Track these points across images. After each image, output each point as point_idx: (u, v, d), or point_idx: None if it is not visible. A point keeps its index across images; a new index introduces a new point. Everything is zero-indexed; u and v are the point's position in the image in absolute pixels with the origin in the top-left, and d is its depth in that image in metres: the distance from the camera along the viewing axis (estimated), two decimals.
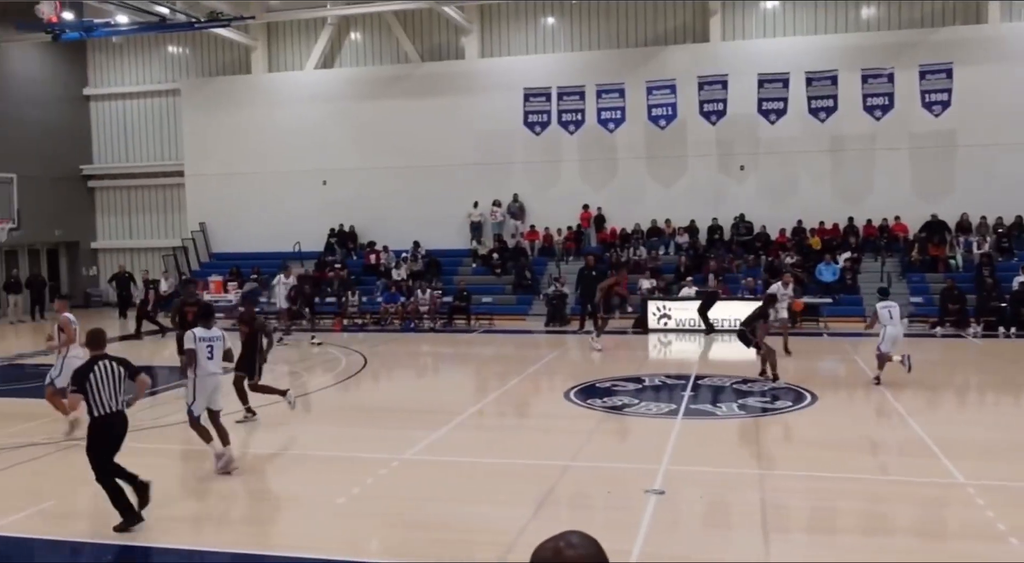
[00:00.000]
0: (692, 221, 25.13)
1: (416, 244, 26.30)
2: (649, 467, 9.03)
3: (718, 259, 23.34)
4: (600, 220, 25.98)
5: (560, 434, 10.88)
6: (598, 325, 18.23)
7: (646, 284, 22.99)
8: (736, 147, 25.02)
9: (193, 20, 23.58)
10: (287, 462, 9.86)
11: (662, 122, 24.45)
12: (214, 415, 9.43)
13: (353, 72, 28.24)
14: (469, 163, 26.70)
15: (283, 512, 8.15)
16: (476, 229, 26.65)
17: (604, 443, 10.50)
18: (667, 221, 25.38)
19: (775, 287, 17.09)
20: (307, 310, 22.16)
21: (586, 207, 26.01)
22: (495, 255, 25.71)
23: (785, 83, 23.40)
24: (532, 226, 26.42)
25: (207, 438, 9.29)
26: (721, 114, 23.95)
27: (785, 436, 11.19)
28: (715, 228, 25.01)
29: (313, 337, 20.50)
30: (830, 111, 23.30)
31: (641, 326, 21.49)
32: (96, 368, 7.45)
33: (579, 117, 24.88)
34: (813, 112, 23.42)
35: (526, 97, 25.16)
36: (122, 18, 24.09)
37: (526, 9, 26.98)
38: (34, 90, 28.94)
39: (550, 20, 26.98)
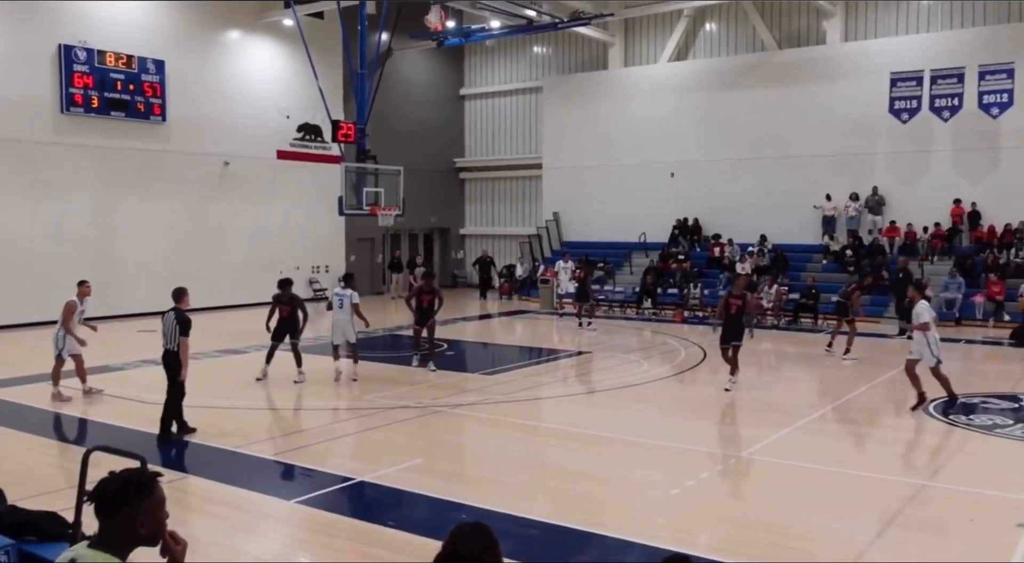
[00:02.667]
0: None
1: (763, 238, 25.53)
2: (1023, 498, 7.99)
3: None
4: (975, 216, 23.27)
5: (915, 450, 10.00)
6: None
7: None
8: None
9: (557, 20, 24.93)
10: (624, 446, 10.14)
11: None
12: (335, 348, 14.16)
13: (706, 63, 28.03)
14: (825, 154, 25.29)
15: (616, 494, 8.41)
16: (828, 223, 25.20)
17: (968, 465, 9.44)
18: None
19: None
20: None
21: (958, 202, 23.42)
22: (848, 252, 24.13)
23: None
24: (892, 222, 24.38)
25: (337, 357, 14.11)
26: None
27: None
28: None
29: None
30: None
31: (1020, 338, 18.92)
32: (164, 317, 10.30)
33: (955, 102, 22.44)
34: None
35: (893, 82, 23.23)
36: (495, 23, 26.17)
37: None
38: (419, 92, 32.52)
39: None
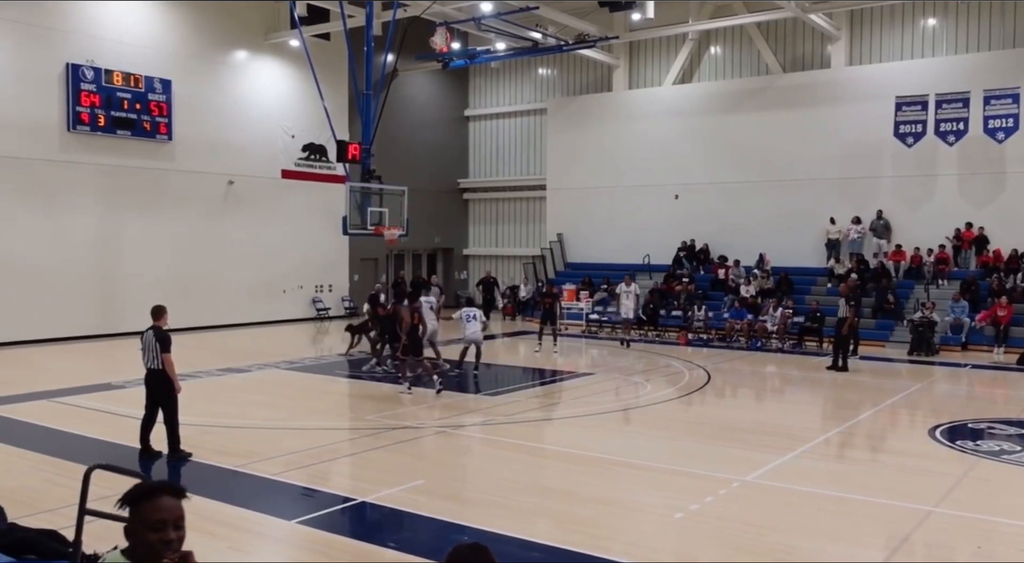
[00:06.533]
0: None
1: (761, 257, 25.54)
2: None
3: None
4: (981, 241, 23.24)
5: (922, 475, 9.90)
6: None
7: None
8: None
9: (562, 43, 25.06)
10: (628, 469, 10.06)
11: None
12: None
13: (711, 86, 28.14)
14: (829, 177, 25.33)
15: (619, 518, 8.32)
16: (833, 247, 25.18)
17: (976, 491, 9.35)
18: None
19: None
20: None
21: (970, 226, 23.39)
22: (854, 275, 24.07)
23: None
24: (898, 246, 24.35)
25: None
26: None
27: None
28: None
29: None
30: None
31: None
32: (143, 336, 10.22)
33: (961, 126, 22.49)
34: None
35: (898, 106, 23.29)
36: (500, 45, 26.31)
37: (903, 11, 24.97)
38: (424, 113, 32.69)
39: (931, 22, 24.69)
